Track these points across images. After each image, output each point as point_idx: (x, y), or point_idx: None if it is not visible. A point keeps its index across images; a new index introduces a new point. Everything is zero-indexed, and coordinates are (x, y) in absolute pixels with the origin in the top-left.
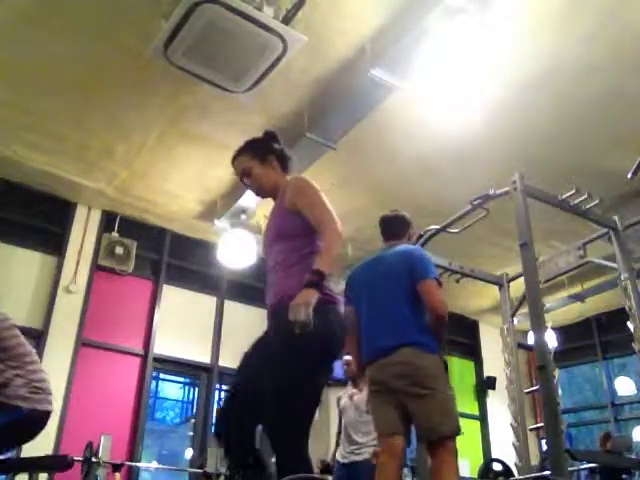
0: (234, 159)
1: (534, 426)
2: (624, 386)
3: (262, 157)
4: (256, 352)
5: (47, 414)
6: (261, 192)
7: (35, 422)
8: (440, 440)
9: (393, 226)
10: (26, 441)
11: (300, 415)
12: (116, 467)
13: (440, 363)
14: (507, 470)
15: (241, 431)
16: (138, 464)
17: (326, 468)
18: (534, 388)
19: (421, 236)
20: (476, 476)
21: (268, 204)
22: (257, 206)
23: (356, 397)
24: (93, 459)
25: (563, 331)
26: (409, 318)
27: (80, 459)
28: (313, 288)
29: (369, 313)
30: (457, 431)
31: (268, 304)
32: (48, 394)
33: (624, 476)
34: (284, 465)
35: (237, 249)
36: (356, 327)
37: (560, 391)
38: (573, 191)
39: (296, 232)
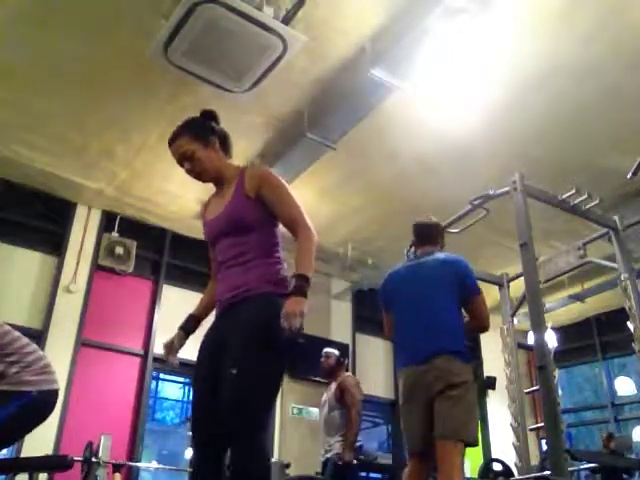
0: (172, 141)
1: (534, 426)
2: (624, 386)
3: (205, 139)
4: (213, 370)
5: (55, 393)
6: (203, 176)
7: (45, 403)
8: (455, 441)
9: (429, 232)
10: (40, 423)
11: (264, 407)
12: (116, 467)
13: (471, 372)
14: (507, 470)
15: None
16: (138, 464)
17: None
18: (534, 388)
19: None
20: (476, 476)
21: None
22: None
23: (327, 394)
24: (93, 459)
25: (563, 331)
26: (449, 327)
27: (80, 459)
28: (302, 295)
29: (408, 319)
30: (472, 441)
31: (220, 300)
32: (51, 373)
33: (624, 476)
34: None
35: None
36: (391, 331)
37: (560, 391)
38: (573, 191)
39: (255, 224)
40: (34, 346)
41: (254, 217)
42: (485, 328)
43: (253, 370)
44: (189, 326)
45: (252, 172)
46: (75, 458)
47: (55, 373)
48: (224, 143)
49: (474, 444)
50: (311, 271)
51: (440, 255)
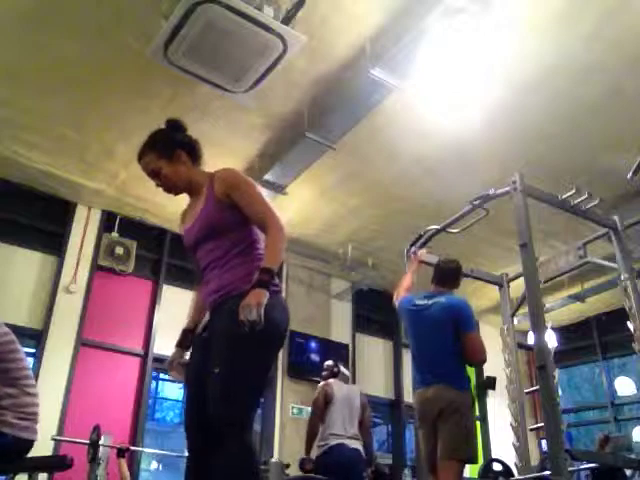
0: (139, 159)
1: (534, 426)
2: (624, 386)
3: (169, 154)
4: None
5: (31, 443)
6: (174, 190)
7: (17, 451)
8: (452, 461)
9: (447, 277)
10: (3, 470)
11: (249, 403)
12: (121, 452)
13: (467, 399)
14: (507, 470)
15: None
16: (142, 449)
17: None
18: (534, 388)
19: (421, 236)
20: (476, 476)
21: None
22: None
23: None
24: (100, 442)
25: (563, 331)
26: (446, 364)
27: (87, 442)
28: (263, 288)
29: (417, 350)
30: (471, 459)
31: (206, 302)
32: (35, 422)
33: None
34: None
35: None
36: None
37: (560, 391)
38: (573, 191)
39: (230, 226)
40: (32, 379)
41: (228, 220)
42: (477, 362)
43: (235, 367)
44: (185, 341)
45: (220, 176)
46: (81, 440)
47: (38, 423)
48: (192, 152)
49: (473, 462)
50: (276, 265)
51: (444, 301)
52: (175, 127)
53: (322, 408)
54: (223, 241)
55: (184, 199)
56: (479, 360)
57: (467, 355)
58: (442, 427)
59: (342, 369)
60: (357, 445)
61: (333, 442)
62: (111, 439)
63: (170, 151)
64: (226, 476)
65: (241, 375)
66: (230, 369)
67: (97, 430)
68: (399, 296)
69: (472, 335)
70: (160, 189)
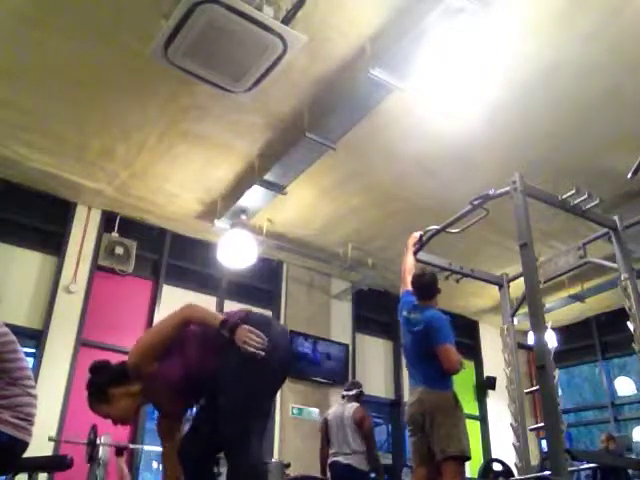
0: (90, 408)
1: (534, 426)
2: (624, 386)
3: (106, 398)
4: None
5: (25, 445)
6: (126, 422)
7: (12, 451)
8: (447, 460)
9: (422, 291)
10: (2, 470)
11: (253, 417)
12: (119, 450)
13: (449, 399)
14: (507, 470)
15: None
16: (140, 446)
17: None
18: (534, 388)
19: (421, 236)
20: (476, 476)
21: (269, 206)
22: (258, 207)
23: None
24: (97, 441)
25: (563, 331)
26: (427, 371)
27: (84, 442)
28: (236, 328)
29: (406, 356)
30: (462, 454)
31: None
32: (31, 424)
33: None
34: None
35: (237, 249)
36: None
37: (560, 391)
38: (573, 191)
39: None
40: (32, 380)
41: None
42: (450, 373)
43: (236, 390)
44: None
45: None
46: (79, 441)
47: (34, 425)
48: (122, 379)
49: (464, 455)
50: (217, 323)
51: (420, 317)
52: (95, 372)
53: (323, 434)
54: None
55: (185, 199)
56: (452, 372)
57: (441, 365)
58: (433, 429)
59: (346, 392)
60: (350, 460)
61: (331, 460)
62: (110, 438)
63: (103, 395)
64: None
65: (241, 395)
66: (231, 392)
67: (94, 429)
68: (404, 283)
69: (443, 347)
70: (160, 190)
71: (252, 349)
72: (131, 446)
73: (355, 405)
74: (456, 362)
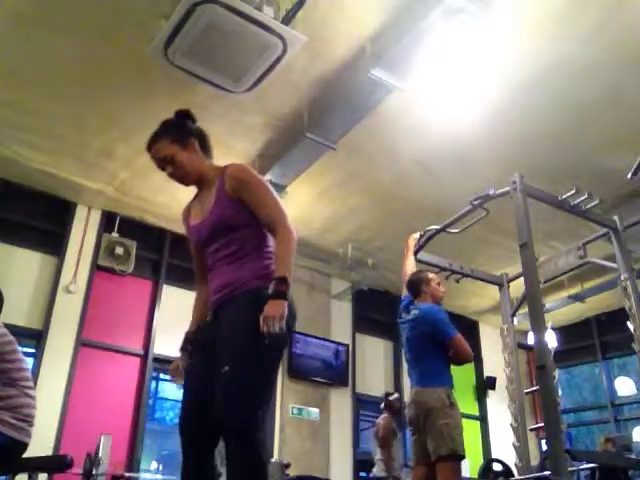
0: (150, 146)
1: (534, 426)
2: (624, 386)
3: (183, 141)
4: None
5: (24, 446)
6: (186, 180)
7: (10, 452)
8: (439, 460)
9: (412, 290)
10: (2, 470)
11: (260, 402)
12: (115, 478)
13: (440, 397)
14: (507, 470)
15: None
16: (137, 474)
17: None
18: (534, 388)
19: (421, 236)
20: (476, 476)
21: None
22: None
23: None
24: (93, 471)
25: (563, 331)
26: (425, 368)
27: (80, 472)
28: (282, 298)
29: (406, 358)
30: (454, 453)
31: (211, 300)
32: (30, 425)
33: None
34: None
35: None
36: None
37: (560, 391)
38: (573, 191)
39: (242, 222)
40: (31, 381)
41: (239, 217)
42: (465, 361)
43: (244, 366)
44: (188, 345)
45: (230, 173)
46: (75, 472)
47: (33, 426)
48: (203, 143)
49: (458, 454)
50: (290, 273)
51: (423, 310)
52: (186, 116)
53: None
54: (233, 238)
55: (184, 199)
56: (468, 360)
57: (455, 357)
58: (427, 430)
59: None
60: (374, 470)
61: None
62: (110, 439)
63: (184, 138)
64: (235, 472)
65: (252, 373)
66: (241, 366)
67: (90, 458)
68: (404, 283)
69: (456, 338)
70: (160, 190)
71: (266, 329)
72: (127, 475)
73: (382, 416)
74: (470, 351)
